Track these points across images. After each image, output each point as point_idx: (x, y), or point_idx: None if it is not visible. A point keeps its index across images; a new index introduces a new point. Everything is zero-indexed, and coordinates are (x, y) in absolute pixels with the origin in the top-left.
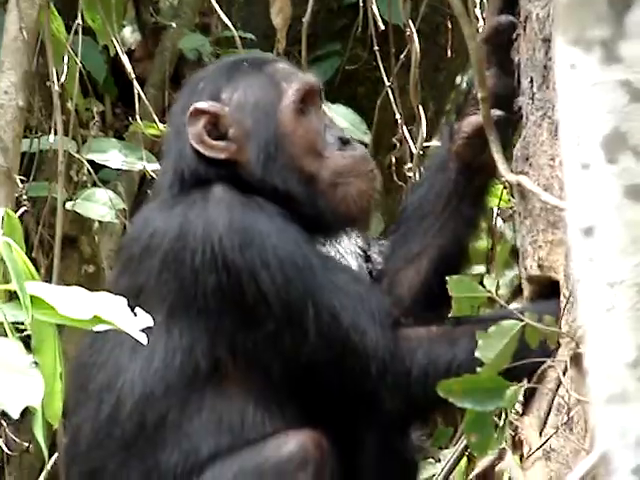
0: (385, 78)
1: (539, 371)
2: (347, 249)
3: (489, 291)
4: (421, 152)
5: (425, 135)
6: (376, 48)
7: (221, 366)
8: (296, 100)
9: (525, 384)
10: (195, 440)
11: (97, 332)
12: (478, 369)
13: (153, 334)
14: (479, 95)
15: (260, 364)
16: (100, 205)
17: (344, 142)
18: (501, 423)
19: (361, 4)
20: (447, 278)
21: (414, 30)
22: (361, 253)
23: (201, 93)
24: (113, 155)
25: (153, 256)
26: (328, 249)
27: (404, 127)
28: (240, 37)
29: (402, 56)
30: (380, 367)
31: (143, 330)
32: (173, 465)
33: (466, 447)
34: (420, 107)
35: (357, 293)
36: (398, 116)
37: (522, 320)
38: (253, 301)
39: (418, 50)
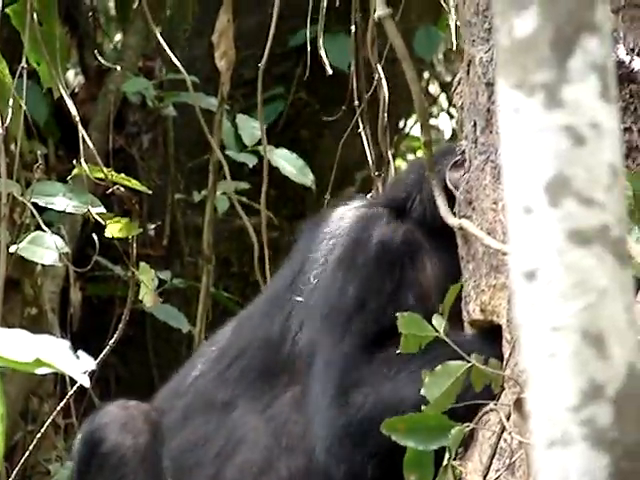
0: (361, 123)
1: (481, 414)
2: None
3: (437, 330)
4: None
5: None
6: None
7: None
8: None
9: (470, 425)
10: None
11: None
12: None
13: None
14: (422, 139)
15: None
16: (44, 249)
17: None
18: (443, 465)
19: (308, 48)
20: (397, 315)
21: (382, 76)
22: None
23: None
24: (58, 199)
25: None
26: None
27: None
28: (183, 80)
29: (359, 102)
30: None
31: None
32: None
33: None
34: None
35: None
36: (369, 158)
37: (469, 362)
38: None
39: (387, 95)
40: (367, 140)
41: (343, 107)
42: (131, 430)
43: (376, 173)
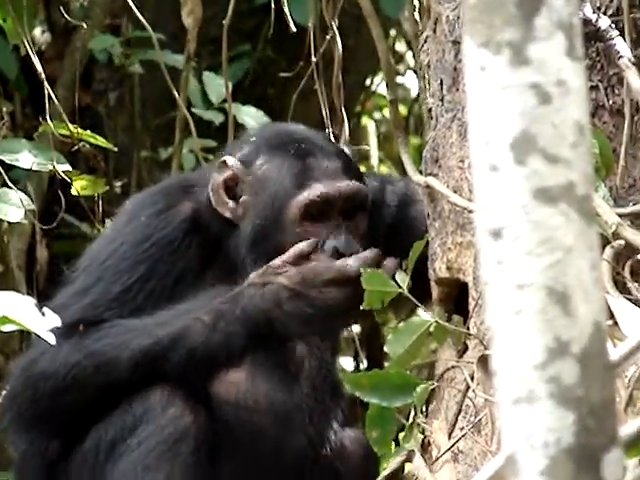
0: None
1: (444, 372)
2: None
3: (400, 287)
4: None
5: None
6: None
7: None
8: (306, 207)
9: (434, 383)
10: None
11: None
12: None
13: None
14: (388, 97)
15: None
16: (9, 205)
17: (340, 254)
18: (409, 423)
19: (273, 5)
20: (362, 270)
21: (337, 32)
22: None
23: (242, 148)
24: (24, 156)
25: None
26: None
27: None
28: (149, 37)
29: (315, 58)
30: None
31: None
32: None
33: None
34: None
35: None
36: (324, 115)
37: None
38: None
39: (341, 52)
40: (323, 97)
41: (301, 63)
42: (190, 408)
43: (329, 131)
